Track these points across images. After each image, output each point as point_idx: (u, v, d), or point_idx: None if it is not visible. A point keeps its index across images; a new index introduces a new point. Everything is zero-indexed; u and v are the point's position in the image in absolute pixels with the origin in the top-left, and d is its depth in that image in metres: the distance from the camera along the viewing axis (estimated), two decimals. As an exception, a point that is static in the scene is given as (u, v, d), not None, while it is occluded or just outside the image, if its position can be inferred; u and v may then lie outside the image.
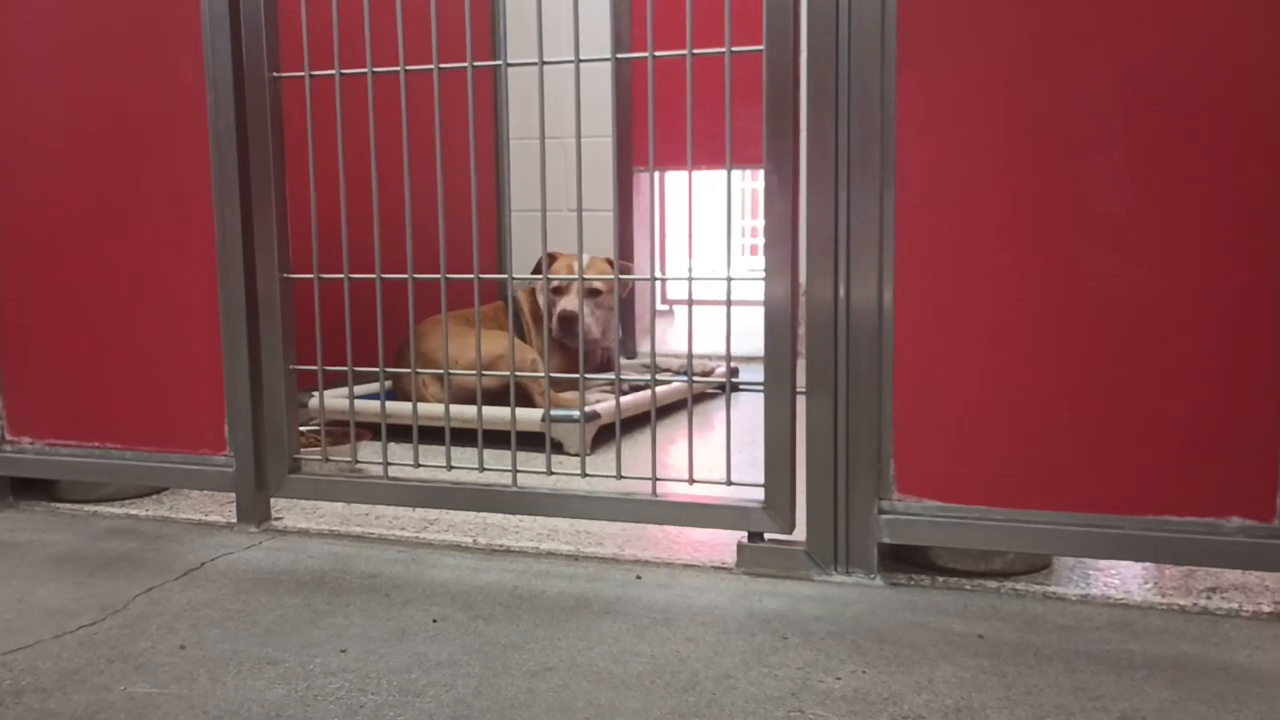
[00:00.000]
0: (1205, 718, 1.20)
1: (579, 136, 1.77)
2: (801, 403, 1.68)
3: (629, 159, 4.47)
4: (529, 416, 2.59)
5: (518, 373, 2.05)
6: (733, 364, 1.96)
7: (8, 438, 2.18)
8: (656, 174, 4.96)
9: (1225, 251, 1.46)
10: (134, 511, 2.12)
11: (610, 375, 3.09)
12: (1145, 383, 1.51)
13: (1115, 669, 1.33)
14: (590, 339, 3.21)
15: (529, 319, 3.23)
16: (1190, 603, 1.55)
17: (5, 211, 2.11)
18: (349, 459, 2.08)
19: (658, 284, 5.09)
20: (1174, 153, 1.47)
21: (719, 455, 2.56)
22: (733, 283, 1.74)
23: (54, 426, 2.14)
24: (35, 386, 2.14)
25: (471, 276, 1.88)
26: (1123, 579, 1.65)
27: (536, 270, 2.98)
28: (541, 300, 3.11)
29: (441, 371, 1.93)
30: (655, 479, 1.79)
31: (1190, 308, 1.48)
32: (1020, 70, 1.53)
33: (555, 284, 3.12)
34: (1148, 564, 1.71)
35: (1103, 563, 1.72)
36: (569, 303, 3.08)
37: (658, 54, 1.72)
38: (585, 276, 2.12)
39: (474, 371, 1.93)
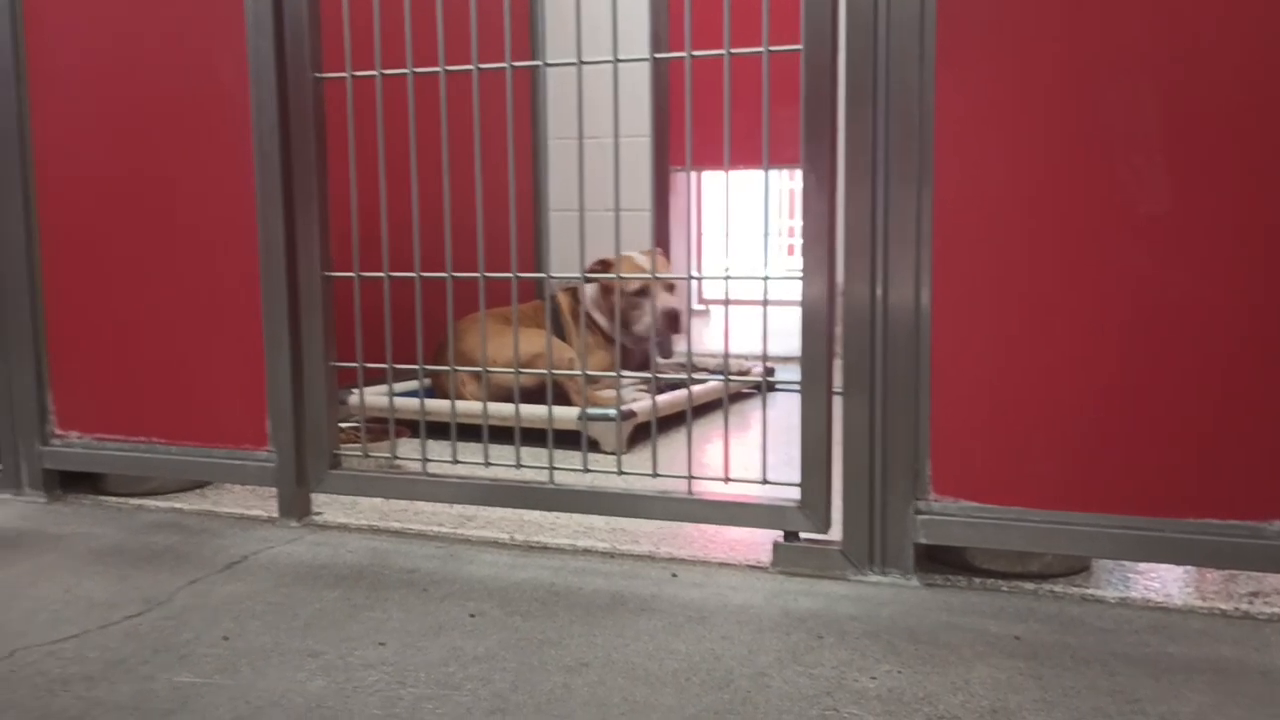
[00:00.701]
0: (1245, 722, 1.19)
1: (617, 136, 1.78)
2: (838, 403, 1.67)
3: (666, 159, 4.47)
4: (566, 415, 2.60)
5: (555, 371, 2.06)
6: (769, 364, 1.96)
7: (56, 432, 2.22)
8: (694, 174, 4.96)
9: (1265, 252, 1.45)
10: (178, 505, 2.16)
11: (647, 374, 3.10)
12: (1185, 384, 1.50)
13: (1153, 672, 1.32)
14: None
15: (569, 319, 3.25)
16: (1231, 606, 1.53)
17: (53, 211, 2.16)
18: (388, 455, 2.10)
19: (694, 283, 5.09)
20: (1212, 155, 1.46)
21: (755, 454, 2.56)
22: (769, 282, 1.75)
23: (101, 421, 2.18)
24: (82, 382, 2.19)
25: (510, 275, 1.89)
26: (1162, 582, 1.64)
27: (590, 272, 3.02)
28: (587, 300, 3.16)
29: (480, 369, 1.95)
30: (691, 477, 1.79)
31: (1229, 309, 1.47)
32: (1059, 72, 1.52)
33: (638, 285, 3.21)
34: (1188, 567, 1.69)
35: (1142, 565, 1.71)
36: (671, 300, 3.21)
37: (695, 54, 1.73)
38: (661, 276, 2.14)
39: (512, 369, 1.94)
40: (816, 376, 1.68)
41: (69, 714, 1.22)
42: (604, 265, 3.22)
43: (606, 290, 3.25)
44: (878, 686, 1.28)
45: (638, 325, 3.23)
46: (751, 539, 1.88)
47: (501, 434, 2.15)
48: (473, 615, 1.53)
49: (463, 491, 1.92)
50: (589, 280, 1.95)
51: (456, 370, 2.07)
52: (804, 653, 1.39)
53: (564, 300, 3.28)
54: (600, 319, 3.28)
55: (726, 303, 1.73)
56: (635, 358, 3.35)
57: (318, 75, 1.93)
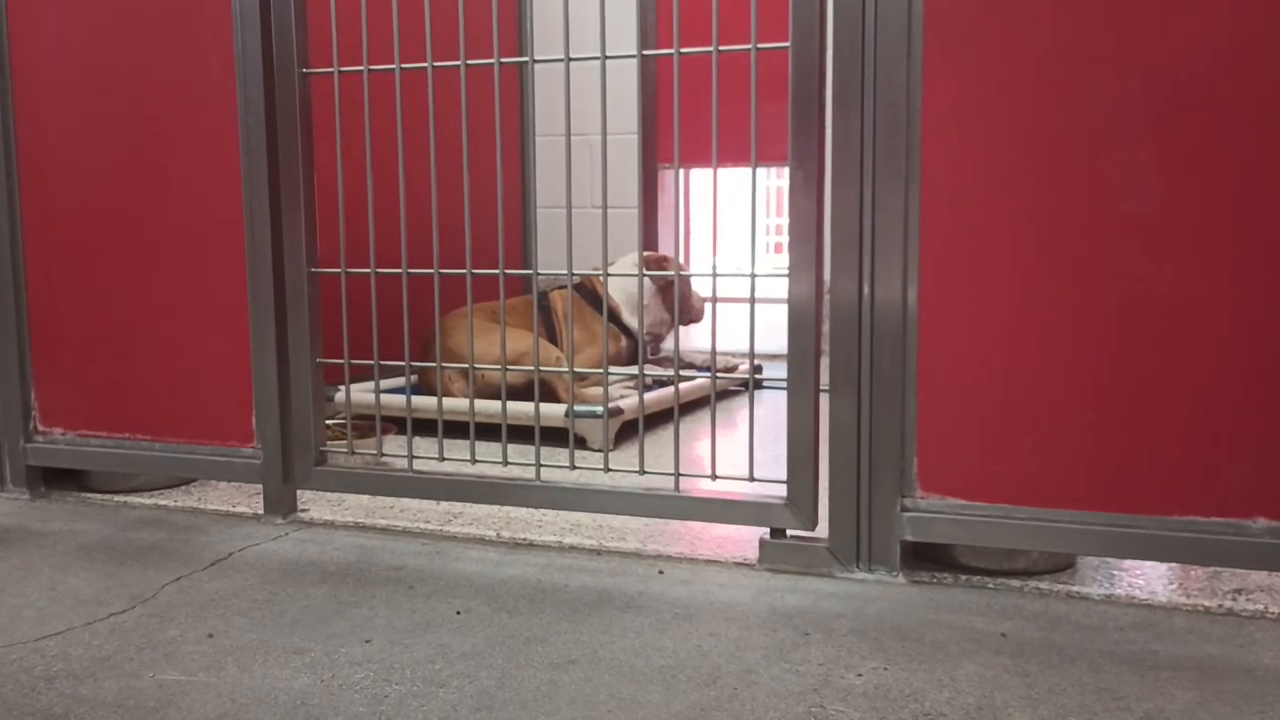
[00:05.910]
0: (1229, 719, 1.19)
1: (604, 133, 1.77)
2: (825, 400, 1.68)
3: (654, 156, 4.47)
4: (552, 412, 2.60)
5: (542, 368, 2.06)
6: (756, 361, 1.96)
7: (40, 429, 2.21)
8: (681, 171, 4.95)
9: (1253, 250, 1.45)
10: (163, 502, 2.15)
11: (633, 370, 3.09)
12: (1171, 382, 1.50)
13: (1139, 669, 1.32)
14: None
15: (560, 319, 3.23)
16: (1215, 604, 1.54)
17: (36, 206, 2.14)
18: (374, 452, 2.09)
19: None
20: (1201, 151, 1.46)
21: (742, 452, 2.56)
22: (757, 280, 1.75)
23: (85, 418, 2.17)
24: (66, 378, 2.17)
25: (497, 272, 1.89)
26: (1147, 579, 1.65)
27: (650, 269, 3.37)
28: (620, 297, 3.37)
29: (466, 366, 1.95)
30: (678, 474, 1.79)
31: (1217, 306, 1.48)
32: (1046, 68, 1.52)
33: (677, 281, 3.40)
34: (1173, 564, 1.70)
35: (1127, 563, 1.71)
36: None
37: (683, 50, 1.73)
38: (687, 273, 2.16)
39: (499, 366, 1.94)
40: (803, 374, 1.68)
41: (54, 712, 1.22)
42: (661, 262, 3.36)
43: (665, 286, 3.49)
44: (864, 683, 1.29)
45: (691, 314, 3.62)
46: (738, 536, 1.88)
47: (488, 431, 2.15)
48: (459, 612, 1.53)
49: (449, 488, 1.92)
50: (547, 274, 1.94)
51: (444, 367, 2.06)
52: (790, 649, 1.39)
53: (558, 300, 3.26)
54: (629, 316, 3.35)
55: (714, 300, 1.73)
56: (647, 352, 3.42)
57: (305, 70, 1.92)
